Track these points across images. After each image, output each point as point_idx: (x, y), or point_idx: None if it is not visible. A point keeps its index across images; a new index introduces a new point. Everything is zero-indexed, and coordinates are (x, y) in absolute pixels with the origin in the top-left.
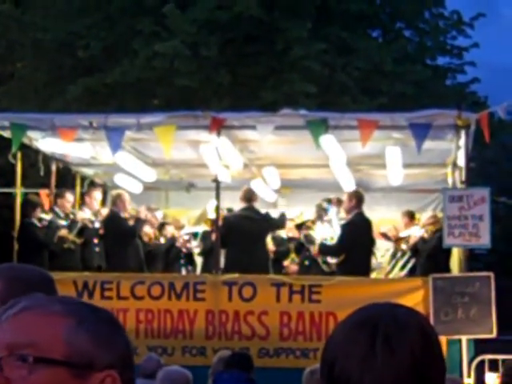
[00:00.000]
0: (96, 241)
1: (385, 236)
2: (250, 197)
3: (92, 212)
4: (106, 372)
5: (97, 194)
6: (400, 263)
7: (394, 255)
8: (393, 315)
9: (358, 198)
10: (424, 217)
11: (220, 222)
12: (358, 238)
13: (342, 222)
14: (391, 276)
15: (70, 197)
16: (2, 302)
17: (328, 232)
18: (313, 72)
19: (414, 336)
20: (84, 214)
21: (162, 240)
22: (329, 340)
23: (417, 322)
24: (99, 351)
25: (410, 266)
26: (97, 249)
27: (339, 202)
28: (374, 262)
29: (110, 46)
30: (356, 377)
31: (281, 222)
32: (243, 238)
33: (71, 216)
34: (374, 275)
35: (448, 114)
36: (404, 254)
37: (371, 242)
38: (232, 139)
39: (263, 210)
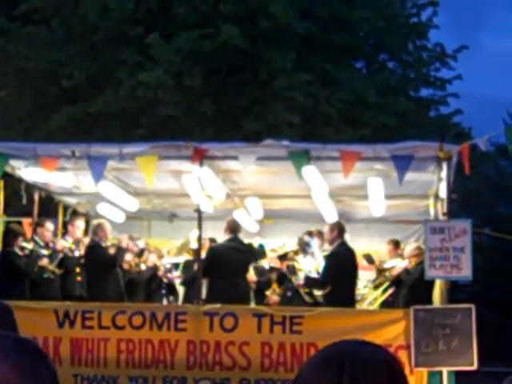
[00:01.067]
0: (78, 270)
1: (368, 259)
2: (234, 228)
3: (73, 241)
4: None
5: (79, 223)
6: (380, 290)
7: (376, 286)
8: (359, 353)
9: (339, 229)
10: (407, 248)
11: (206, 252)
12: (342, 269)
13: (326, 253)
14: (373, 307)
15: (50, 226)
16: None
17: (311, 265)
18: (296, 102)
19: (381, 374)
20: (64, 243)
21: (143, 267)
22: (296, 378)
23: (384, 359)
24: (23, 382)
25: (388, 292)
26: (78, 278)
27: (320, 234)
28: (356, 292)
29: (94, 76)
30: None
31: (263, 253)
32: (228, 268)
33: (51, 245)
34: (357, 306)
35: (430, 146)
36: (384, 283)
37: (355, 272)
38: (214, 169)
39: (246, 241)
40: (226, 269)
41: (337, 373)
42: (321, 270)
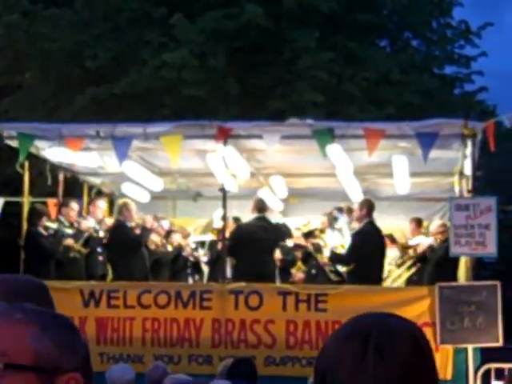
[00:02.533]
0: (100, 250)
1: (391, 239)
2: (262, 207)
3: (96, 221)
4: (71, 374)
5: (101, 203)
6: (404, 267)
7: (400, 264)
8: (385, 325)
9: (368, 207)
10: (432, 225)
11: (233, 230)
12: (368, 247)
13: (353, 231)
14: (398, 284)
15: (74, 206)
16: None
17: (338, 240)
18: (320, 81)
19: (406, 347)
20: (88, 223)
21: (169, 248)
22: (321, 350)
23: (409, 332)
24: (64, 356)
25: (412, 271)
26: (100, 258)
27: (350, 211)
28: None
29: (118, 56)
30: (347, 381)
31: (290, 233)
32: (256, 246)
33: (76, 225)
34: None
35: (454, 123)
36: (409, 260)
37: (382, 251)
38: (239, 148)
39: (274, 220)
40: (252, 247)
41: (361, 344)
42: (346, 246)
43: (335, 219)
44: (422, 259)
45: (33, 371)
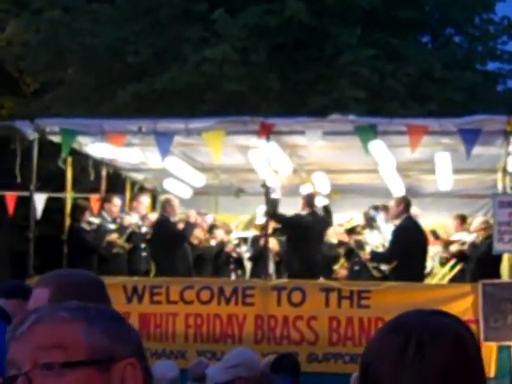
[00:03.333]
0: (143, 245)
1: (435, 235)
2: (312, 202)
3: (139, 216)
4: (126, 360)
5: (144, 199)
6: (447, 267)
7: (442, 261)
8: (428, 322)
9: (405, 203)
10: (474, 222)
11: (291, 216)
12: (409, 243)
13: (392, 227)
14: (439, 281)
15: (117, 201)
16: None
17: (378, 239)
18: (362, 78)
19: (447, 345)
20: (131, 219)
21: (213, 243)
22: (367, 344)
23: (453, 331)
24: (116, 344)
25: (456, 269)
26: (144, 253)
27: (386, 209)
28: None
29: (160, 52)
30: (386, 381)
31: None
32: (308, 240)
33: (118, 220)
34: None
35: (497, 119)
36: (452, 257)
37: (423, 246)
38: (281, 144)
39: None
40: (305, 240)
41: (403, 340)
42: (387, 244)
43: (372, 218)
44: (464, 257)
45: (89, 365)
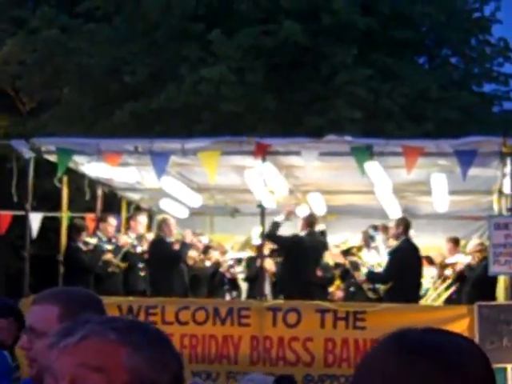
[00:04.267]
0: (141, 265)
1: (429, 260)
2: (311, 222)
3: (136, 236)
4: None
5: (142, 218)
6: (442, 288)
7: (438, 283)
8: (451, 341)
9: (404, 225)
10: (470, 244)
11: (289, 237)
12: (406, 265)
13: (389, 249)
14: (435, 303)
15: (112, 221)
16: (61, 324)
17: (375, 259)
18: (358, 98)
19: (478, 364)
20: (127, 239)
21: (208, 264)
22: (363, 368)
23: (478, 350)
24: (156, 374)
25: (451, 290)
26: (142, 273)
27: (385, 229)
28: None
29: (156, 72)
30: None
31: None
32: (305, 261)
33: (114, 240)
34: (420, 302)
35: (493, 141)
36: (447, 279)
37: (419, 269)
38: (277, 165)
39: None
40: (301, 260)
41: (429, 361)
42: (384, 265)
43: (371, 238)
44: (460, 278)
45: None
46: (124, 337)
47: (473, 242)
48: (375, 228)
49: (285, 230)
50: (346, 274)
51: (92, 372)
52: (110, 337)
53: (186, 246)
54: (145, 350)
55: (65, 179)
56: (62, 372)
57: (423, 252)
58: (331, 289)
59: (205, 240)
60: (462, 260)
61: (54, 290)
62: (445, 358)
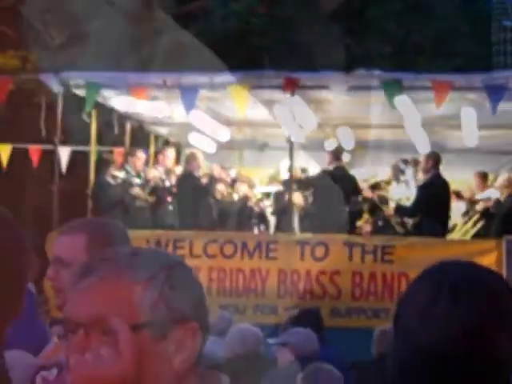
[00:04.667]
0: (170, 199)
1: (458, 195)
2: (339, 157)
3: (164, 170)
4: (187, 325)
5: (170, 153)
6: (470, 222)
7: (467, 219)
8: (463, 271)
9: (435, 160)
10: (499, 179)
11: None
12: (435, 199)
13: (419, 183)
14: (462, 236)
15: (141, 155)
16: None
17: (404, 193)
18: (388, 32)
19: (482, 294)
20: (155, 173)
21: (236, 197)
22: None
23: (489, 280)
24: (175, 310)
25: (478, 226)
26: (170, 207)
27: (416, 163)
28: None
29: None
30: (416, 324)
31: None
32: (332, 194)
33: (142, 174)
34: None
35: None
36: (476, 214)
37: (449, 204)
38: (306, 99)
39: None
40: (330, 195)
41: (435, 286)
42: (412, 199)
43: (401, 171)
44: (489, 214)
45: (148, 328)
46: (141, 275)
47: (502, 177)
48: (405, 162)
49: (312, 165)
50: (375, 207)
51: (112, 311)
52: (128, 276)
53: (213, 180)
54: (164, 285)
55: (93, 114)
56: (82, 313)
57: (452, 186)
58: (359, 223)
59: (233, 174)
60: (491, 195)
61: (81, 220)
62: (447, 283)
